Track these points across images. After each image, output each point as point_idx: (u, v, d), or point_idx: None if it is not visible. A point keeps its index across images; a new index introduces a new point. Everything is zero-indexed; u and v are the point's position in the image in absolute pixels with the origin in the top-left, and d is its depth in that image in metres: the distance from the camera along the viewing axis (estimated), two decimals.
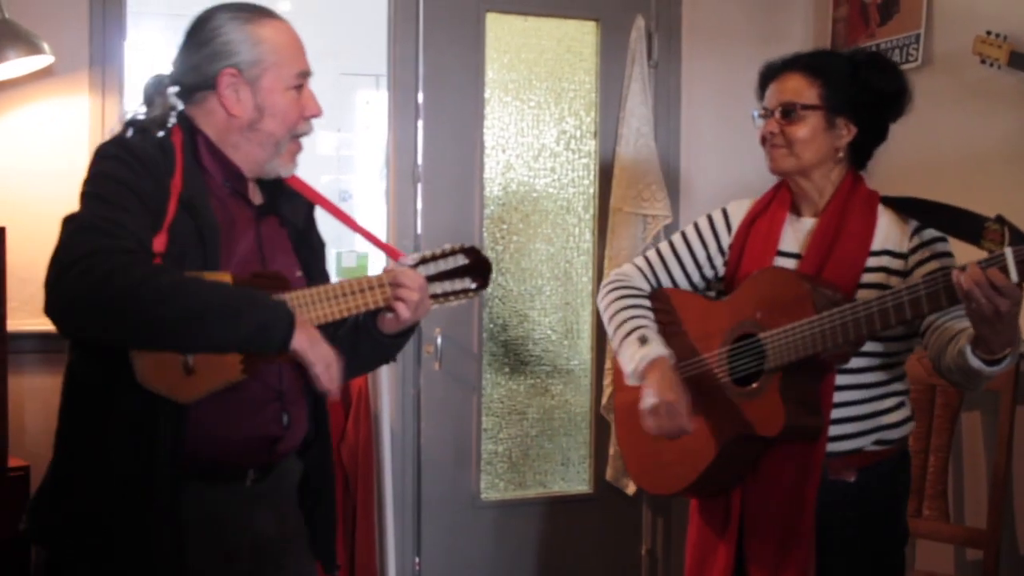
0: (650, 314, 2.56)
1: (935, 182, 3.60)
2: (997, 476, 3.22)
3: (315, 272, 2.18)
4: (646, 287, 2.62)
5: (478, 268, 2.18)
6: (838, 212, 2.43)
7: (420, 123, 3.87)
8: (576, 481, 4.17)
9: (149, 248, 1.89)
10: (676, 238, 2.65)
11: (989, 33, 3.27)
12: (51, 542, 2.01)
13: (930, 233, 2.39)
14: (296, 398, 2.11)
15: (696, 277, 2.62)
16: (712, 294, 2.64)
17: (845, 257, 2.38)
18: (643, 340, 2.47)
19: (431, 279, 2.15)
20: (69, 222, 1.89)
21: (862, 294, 2.33)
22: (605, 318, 2.61)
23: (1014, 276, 1.98)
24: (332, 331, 2.15)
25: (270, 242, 2.12)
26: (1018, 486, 3.29)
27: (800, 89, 2.44)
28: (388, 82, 3.93)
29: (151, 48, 4.70)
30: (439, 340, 3.87)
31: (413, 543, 3.92)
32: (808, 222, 2.49)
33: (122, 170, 1.93)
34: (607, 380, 4.02)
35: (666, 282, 2.63)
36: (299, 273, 2.13)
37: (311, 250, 2.21)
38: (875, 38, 3.84)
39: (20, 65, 3.22)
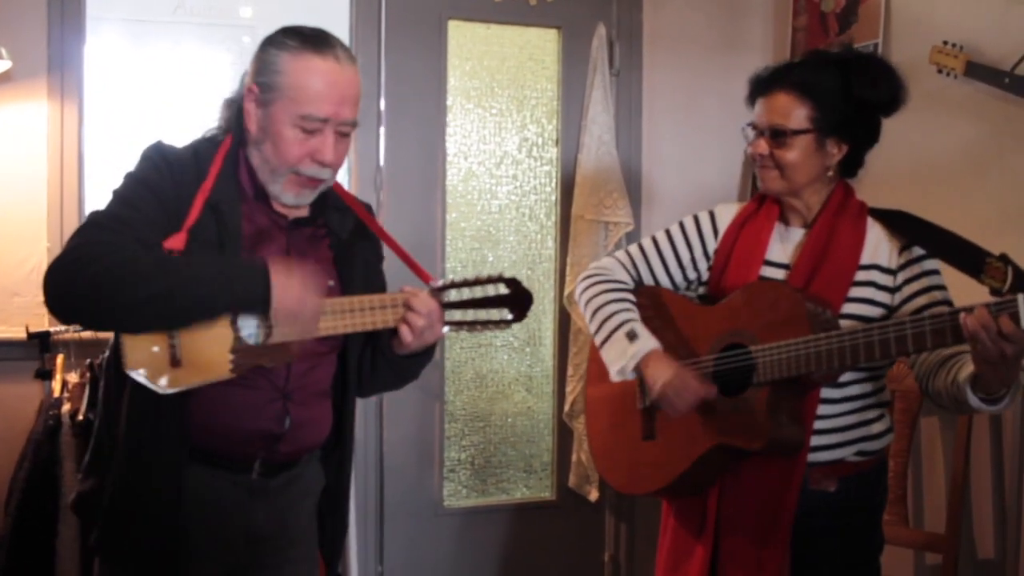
0: (635, 308, 2.51)
1: (892, 191, 3.62)
2: (955, 481, 3.25)
3: (356, 283, 2.18)
4: (628, 282, 2.58)
5: (518, 300, 2.18)
6: (828, 225, 2.40)
7: (382, 130, 3.86)
8: (539, 488, 4.17)
9: (154, 244, 1.96)
10: (660, 236, 2.61)
11: (945, 43, 3.31)
12: (81, 512, 2.17)
13: (919, 251, 2.37)
14: (309, 399, 2.16)
15: (679, 278, 2.59)
16: (692, 295, 2.61)
17: (834, 270, 2.36)
18: (632, 335, 2.43)
19: (462, 305, 2.16)
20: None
21: (849, 308, 2.33)
22: (587, 310, 2.55)
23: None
24: (362, 343, 2.23)
25: (300, 251, 2.15)
26: (976, 491, 3.32)
27: (789, 110, 2.37)
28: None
29: (110, 53, 4.66)
30: None
31: (376, 550, 3.90)
32: (797, 232, 2.47)
33: (149, 171, 2.04)
34: (569, 387, 4.03)
35: (648, 280, 2.59)
36: (331, 283, 2.15)
37: (351, 262, 2.22)
38: (834, 47, 3.87)
39: None
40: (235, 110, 2.15)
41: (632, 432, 2.55)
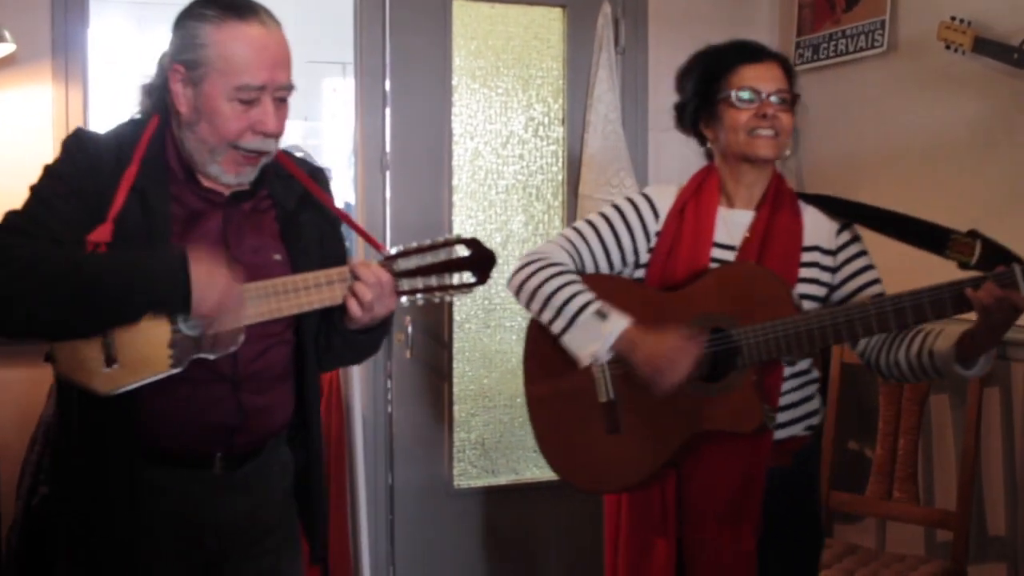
0: (591, 289, 2.45)
1: (901, 169, 3.62)
2: (966, 458, 3.25)
3: (308, 256, 2.09)
4: (571, 266, 2.52)
5: (479, 261, 2.07)
6: (772, 206, 2.46)
7: (388, 111, 3.85)
8: (548, 468, 4.15)
9: (75, 240, 1.88)
10: (597, 220, 2.56)
11: (953, 19, 3.29)
12: (46, 517, 2.14)
13: (854, 229, 2.48)
14: (265, 385, 2.07)
15: (617, 260, 2.56)
16: (627, 275, 2.59)
17: (782, 252, 2.42)
18: (602, 314, 2.38)
19: (419, 273, 2.04)
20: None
21: (800, 288, 2.40)
22: (536, 298, 2.46)
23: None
24: (317, 319, 2.14)
25: (238, 227, 2.06)
26: (987, 468, 3.32)
27: (783, 80, 2.46)
28: (355, 70, 3.90)
29: (114, 36, 4.65)
30: (409, 329, 3.85)
31: (386, 531, 3.91)
32: (742, 214, 2.49)
33: (65, 165, 1.95)
34: None
35: (588, 263, 2.55)
36: (278, 256, 2.07)
37: (299, 233, 2.12)
38: (840, 24, 3.86)
39: None
40: (157, 94, 2.05)
41: (592, 428, 2.48)
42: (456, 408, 4.01)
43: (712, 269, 2.42)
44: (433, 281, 2.05)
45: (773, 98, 2.42)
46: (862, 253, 2.48)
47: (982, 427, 3.27)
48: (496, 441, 4.08)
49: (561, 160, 4.11)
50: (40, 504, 2.12)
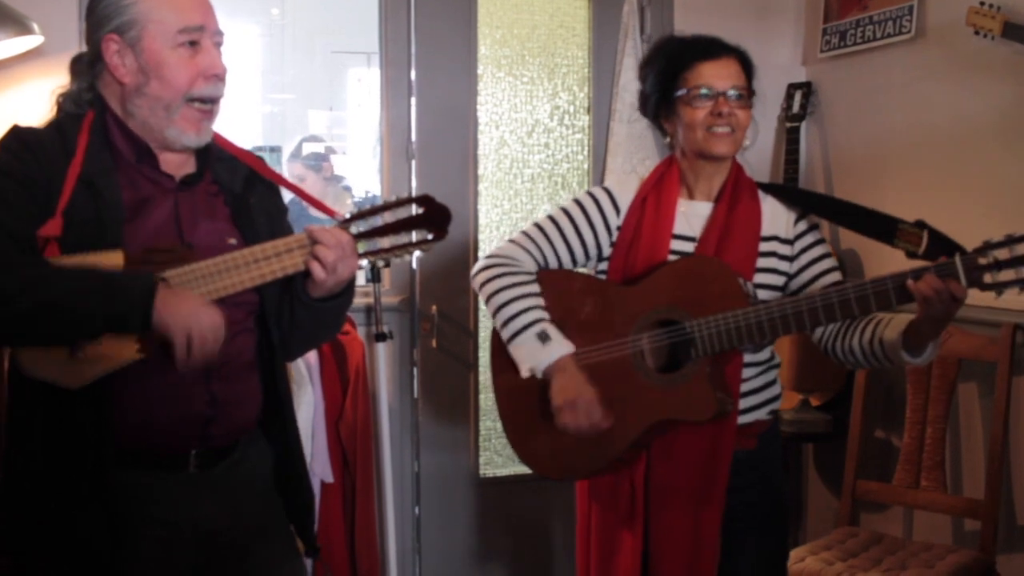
0: (542, 301, 2.49)
1: (929, 153, 3.59)
2: (994, 447, 3.23)
3: (259, 236, 2.05)
4: (532, 268, 2.56)
5: (435, 217, 2.05)
6: (731, 198, 2.50)
7: (413, 100, 3.86)
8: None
9: (27, 236, 1.85)
10: (558, 215, 2.59)
11: (983, 3, 3.26)
12: (7, 547, 1.96)
13: (811, 219, 2.54)
14: (234, 374, 2.04)
15: (579, 255, 2.59)
16: (588, 272, 2.63)
17: (741, 242, 2.47)
18: (543, 336, 2.43)
19: (376, 233, 2.03)
20: None
21: (757, 278, 2.46)
22: (491, 304, 2.51)
23: (964, 282, 2.17)
24: (277, 302, 2.10)
25: (191, 212, 2.03)
26: (1015, 456, 3.30)
27: (740, 76, 2.48)
28: (380, 60, 3.91)
29: None
30: (435, 317, 3.86)
31: (412, 520, 3.92)
32: (701, 206, 2.53)
33: (8, 161, 1.90)
34: None
35: (551, 259, 2.57)
36: (232, 240, 2.04)
37: (250, 215, 2.10)
38: (868, 10, 3.83)
39: (10, 46, 3.20)
40: (86, 84, 2.02)
41: (553, 418, 2.48)
42: (482, 397, 4.02)
43: (667, 263, 2.46)
44: (390, 241, 2.04)
45: (731, 93, 2.45)
46: (819, 242, 2.53)
47: (1011, 415, 3.25)
48: None
49: (587, 148, 4.11)
50: None
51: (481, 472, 4.04)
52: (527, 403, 2.55)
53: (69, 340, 1.84)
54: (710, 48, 2.50)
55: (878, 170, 3.78)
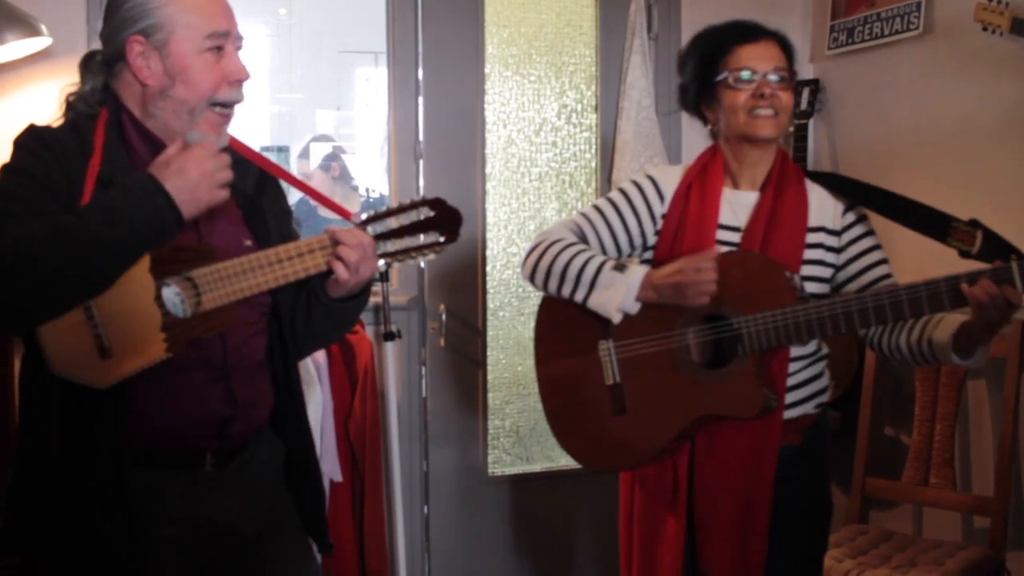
0: (603, 254, 2.49)
1: (937, 150, 3.59)
2: (1004, 444, 3.22)
3: (271, 239, 2.06)
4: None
5: (446, 221, 2.06)
6: (777, 187, 2.47)
7: (420, 100, 3.86)
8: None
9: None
10: (603, 204, 2.59)
11: (991, 0, 3.25)
12: (20, 546, 1.97)
13: (860, 210, 2.49)
14: (250, 374, 2.05)
15: (624, 244, 2.58)
16: (635, 259, 2.62)
17: (788, 234, 2.43)
18: (620, 267, 2.41)
19: (391, 235, 2.04)
20: None
21: (804, 270, 2.42)
22: (551, 275, 2.48)
23: (1020, 288, 2.12)
24: (292, 302, 2.12)
25: (208, 213, 2.01)
26: None
27: (781, 57, 2.46)
28: (387, 59, 3.91)
29: None
30: (443, 316, 3.87)
31: (421, 519, 3.93)
32: (747, 195, 2.51)
33: (29, 160, 1.88)
34: None
35: (596, 247, 2.56)
36: (248, 242, 2.05)
37: (262, 217, 2.12)
38: (875, 6, 3.83)
39: (18, 47, 3.20)
40: (100, 83, 2.02)
41: (600, 408, 2.52)
42: (490, 395, 4.02)
43: (716, 257, 2.41)
44: (406, 243, 2.05)
45: (771, 76, 2.42)
46: (868, 234, 2.48)
47: (1020, 412, 3.25)
48: (530, 428, 4.09)
49: (594, 147, 4.10)
50: (6, 530, 1.97)
51: (490, 471, 4.04)
52: (572, 394, 2.56)
53: (112, 277, 1.83)
54: (749, 31, 2.48)
55: (886, 167, 3.78)
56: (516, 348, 4.05)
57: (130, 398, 1.89)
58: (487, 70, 3.96)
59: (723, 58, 2.46)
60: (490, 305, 4.00)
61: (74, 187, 1.88)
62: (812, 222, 2.46)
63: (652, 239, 2.58)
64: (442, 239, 2.06)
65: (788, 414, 2.45)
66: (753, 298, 2.33)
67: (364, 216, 2.05)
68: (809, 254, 2.44)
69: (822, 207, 2.48)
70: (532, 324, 4.01)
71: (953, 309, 2.19)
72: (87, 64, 2.05)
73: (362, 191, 6.25)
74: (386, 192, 3.98)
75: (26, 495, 1.94)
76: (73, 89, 2.06)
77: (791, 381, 2.45)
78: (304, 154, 5.98)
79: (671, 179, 2.57)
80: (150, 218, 1.83)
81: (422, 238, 2.05)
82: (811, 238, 2.45)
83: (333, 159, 6.11)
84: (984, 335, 2.22)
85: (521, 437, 4.08)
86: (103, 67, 2.02)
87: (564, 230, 2.56)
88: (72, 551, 1.91)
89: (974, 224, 2.27)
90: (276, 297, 2.08)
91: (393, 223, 2.04)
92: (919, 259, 2.35)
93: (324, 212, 5.41)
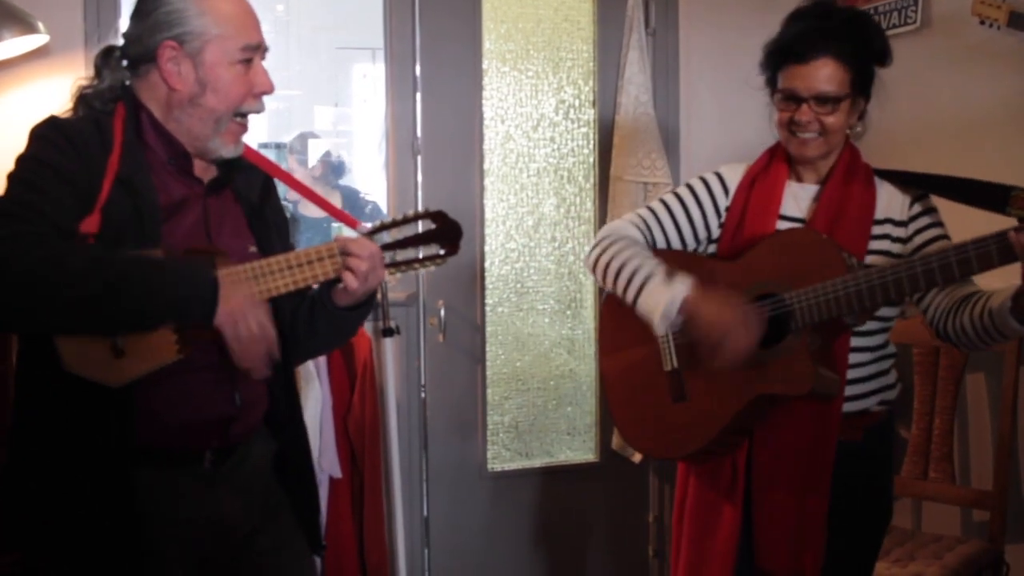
0: (658, 260, 2.48)
1: (934, 145, 3.59)
2: (1003, 437, 3.22)
3: (273, 247, 2.09)
4: (642, 241, 2.57)
5: (447, 233, 2.10)
6: (842, 180, 2.46)
7: (418, 96, 3.86)
8: (582, 450, 4.18)
9: (70, 230, 1.83)
10: (669, 198, 2.62)
11: None
12: (17, 544, 1.98)
13: (928, 202, 2.47)
14: (248, 376, 2.03)
15: (689, 238, 2.60)
16: (705, 255, 2.63)
17: (852, 225, 2.42)
18: (670, 275, 2.40)
19: (394, 246, 2.07)
20: None
21: (869, 260, 2.39)
22: (609, 272, 2.49)
23: None
24: (293, 308, 2.13)
25: (218, 218, 2.05)
26: (1023, 447, 3.30)
27: (834, 77, 2.40)
28: (385, 55, 3.91)
29: None
30: (442, 312, 3.87)
31: (421, 514, 3.93)
32: (810, 188, 2.52)
33: (50, 152, 1.89)
34: None
35: (660, 241, 2.59)
36: (253, 248, 2.07)
37: (266, 224, 2.14)
38: (873, 1, 3.82)
39: (15, 45, 3.20)
40: (119, 81, 2.04)
41: (659, 396, 2.53)
42: (489, 391, 4.02)
43: (766, 237, 2.44)
44: (409, 253, 2.08)
45: (813, 102, 2.40)
46: (935, 224, 2.45)
47: (1019, 405, 3.25)
48: (530, 424, 4.09)
49: (592, 142, 4.10)
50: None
51: (489, 466, 4.05)
52: (634, 383, 2.59)
53: (128, 326, 1.83)
54: (800, 49, 2.42)
55: (884, 161, 3.75)
56: (515, 344, 4.05)
57: (137, 397, 1.89)
58: (484, 66, 3.95)
59: (778, 72, 2.46)
60: (489, 301, 4.00)
61: (93, 181, 1.88)
62: (879, 215, 2.45)
63: (716, 232, 2.60)
64: (443, 252, 2.09)
65: (849, 407, 2.42)
66: (805, 274, 2.31)
67: (371, 226, 2.08)
68: (874, 245, 2.43)
69: (891, 201, 2.47)
70: (531, 320, 4.05)
71: (1002, 263, 2.14)
72: (105, 60, 2.05)
73: (362, 191, 6.25)
74: (381, 193, 3.97)
75: (22, 492, 1.94)
76: (86, 83, 2.06)
77: (854, 374, 2.42)
78: (294, 148, 5.98)
79: (737, 174, 2.60)
80: (189, 303, 1.84)
81: (423, 250, 2.08)
82: (877, 230, 2.44)
83: (327, 156, 6.11)
84: None
85: (520, 433, 4.09)
86: (118, 64, 2.03)
87: (629, 226, 2.59)
88: (73, 549, 1.91)
89: None
90: (276, 303, 2.07)
91: (397, 234, 2.07)
92: None
93: (307, 211, 5.42)
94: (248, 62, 2.01)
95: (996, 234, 2.13)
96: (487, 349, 4.01)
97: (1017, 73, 3.28)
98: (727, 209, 2.58)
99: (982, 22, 3.27)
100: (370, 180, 6.44)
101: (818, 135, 2.43)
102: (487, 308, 4.00)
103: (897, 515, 3.72)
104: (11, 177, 1.88)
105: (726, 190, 2.60)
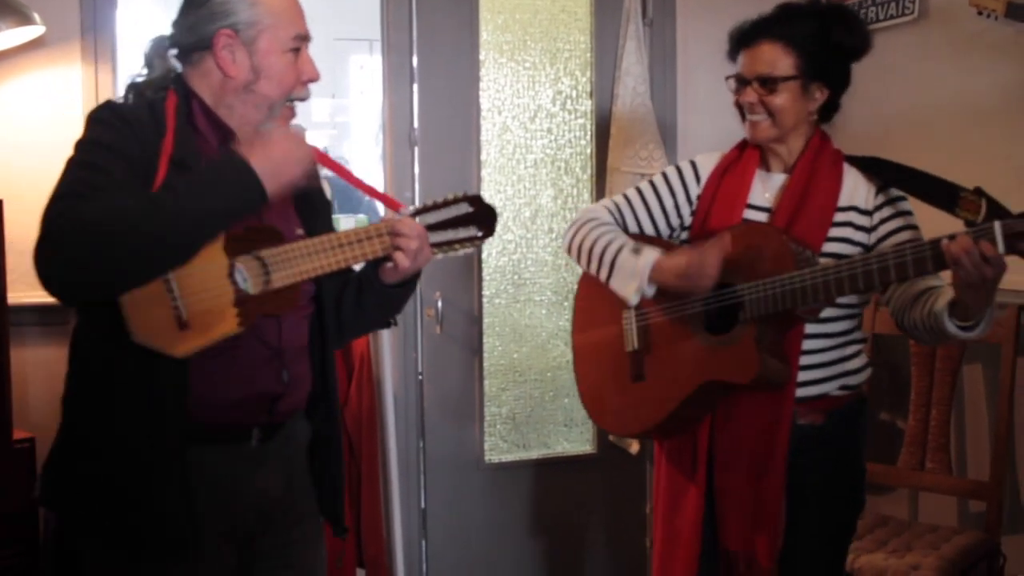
0: (627, 237, 2.59)
1: (932, 135, 3.59)
2: (999, 428, 3.23)
3: (318, 230, 2.15)
4: (615, 224, 2.67)
5: (483, 216, 2.19)
6: (808, 169, 2.53)
7: (415, 87, 3.85)
8: (579, 441, 4.18)
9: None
10: (644, 186, 2.70)
11: None
12: (61, 507, 2.07)
13: (894, 191, 2.51)
14: (298, 356, 2.13)
15: (662, 224, 2.67)
16: (676, 243, 2.69)
17: (815, 212, 2.48)
18: (636, 251, 2.50)
19: (433, 228, 2.15)
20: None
21: (829, 247, 2.45)
22: (582, 253, 2.61)
23: (1001, 248, 2.10)
24: (338, 290, 2.21)
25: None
26: (1020, 438, 3.31)
27: (775, 59, 2.50)
28: (382, 46, 3.90)
29: (143, 15, 4.67)
30: (439, 304, 3.86)
31: (418, 506, 3.94)
32: (778, 177, 2.57)
33: (108, 134, 1.95)
34: None
35: (633, 226, 2.67)
36: (299, 230, 2.13)
37: (313, 207, 2.20)
38: None
39: (11, 36, 3.20)
40: (169, 71, 2.10)
41: (621, 375, 2.63)
42: (487, 383, 4.02)
43: (726, 229, 2.48)
44: (448, 235, 2.18)
45: (756, 83, 2.50)
46: (900, 214, 2.49)
47: (1015, 397, 3.26)
48: (527, 415, 4.10)
49: (589, 133, 4.10)
50: (49, 493, 2.06)
51: (486, 458, 4.05)
52: (599, 361, 2.68)
53: (196, 247, 1.89)
54: (747, 33, 2.55)
55: (881, 151, 3.73)
56: (512, 335, 4.05)
57: (193, 371, 1.95)
58: (482, 57, 3.95)
59: (734, 60, 2.57)
60: (486, 292, 4.00)
61: (149, 163, 1.94)
62: (843, 202, 2.49)
63: (688, 219, 2.66)
64: (480, 234, 2.19)
65: (805, 391, 2.47)
66: (757, 266, 2.38)
67: (412, 208, 2.16)
68: (836, 232, 2.47)
69: (856, 188, 2.51)
70: (528, 311, 4.05)
71: (936, 270, 2.20)
72: (156, 49, 2.12)
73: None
74: (378, 183, 3.97)
75: (73, 459, 2.01)
76: (140, 74, 2.13)
77: (811, 359, 2.47)
78: None
79: (710, 162, 2.67)
80: (239, 193, 1.92)
81: (461, 232, 2.18)
82: (840, 217, 2.48)
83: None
84: (970, 299, 2.19)
85: (518, 424, 4.09)
86: (182, 55, 2.10)
87: (603, 210, 2.69)
88: (122, 518, 1.97)
89: (978, 192, 2.28)
90: (321, 285, 2.16)
91: (435, 217, 2.16)
92: None
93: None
94: (297, 51, 2.09)
95: (932, 241, 2.17)
96: (484, 340, 4.01)
97: (1015, 63, 3.28)
98: (698, 197, 2.64)
99: (980, 12, 3.28)
100: (367, 171, 6.43)
101: (767, 117, 2.50)
102: (484, 299, 4.00)
103: (893, 505, 3.73)
104: (69, 160, 1.95)
105: (698, 178, 2.66)
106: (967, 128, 3.46)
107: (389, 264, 2.13)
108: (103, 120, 1.98)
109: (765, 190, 2.56)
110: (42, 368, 3.41)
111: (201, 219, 1.89)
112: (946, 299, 2.27)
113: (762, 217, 2.53)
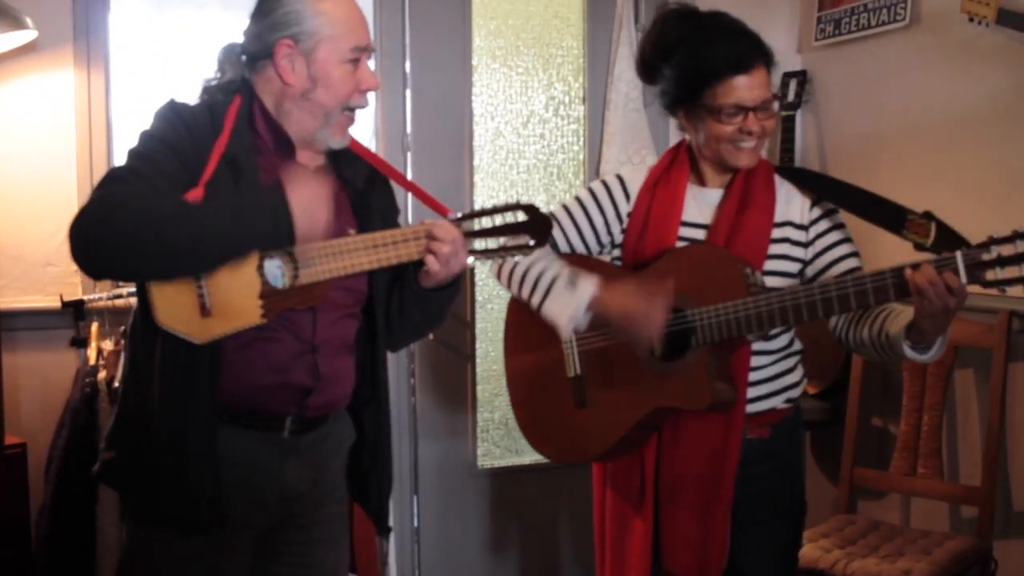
0: (563, 263, 2.48)
1: (924, 141, 3.60)
2: (991, 433, 3.23)
3: (373, 230, 2.17)
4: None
5: (537, 225, 2.19)
6: (743, 184, 2.46)
7: (408, 92, 3.85)
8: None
9: (171, 193, 1.97)
10: (571, 203, 2.61)
11: None
12: (112, 481, 2.20)
13: (828, 205, 2.47)
14: (336, 352, 2.18)
15: (592, 243, 2.60)
16: (606, 256, 2.65)
17: (753, 230, 2.43)
18: (572, 281, 2.40)
19: (484, 233, 2.17)
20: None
21: (769, 265, 2.42)
22: (514, 279, 2.52)
23: (964, 278, 2.10)
24: (388, 294, 2.26)
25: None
26: (1012, 443, 3.31)
27: (767, 82, 2.40)
28: (375, 52, 3.90)
29: (134, 20, 4.66)
30: None
31: (410, 511, 3.93)
32: (713, 193, 2.50)
33: (163, 127, 2.05)
34: None
35: (563, 246, 2.60)
36: (352, 231, 2.17)
37: (370, 210, 2.24)
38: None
39: (3, 41, 3.19)
40: (239, 75, 2.18)
41: (562, 401, 2.56)
42: (479, 388, 4.02)
43: (675, 250, 2.44)
44: (496, 243, 2.19)
45: (760, 111, 2.37)
46: (836, 227, 2.45)
47: (1007, 402, 3.26)
48: None
49: (582, 139, 4.10)
50: (103, 471, 2.17)
51: (479, 463, 4.05)
52: (536, 386, 2.61)
53: (221, 261, 1.96)
54: (743, 59, 2.36)
55: (873, 158, 3.78)
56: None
57: (224, 358, 2.04)
58: (474, 62, 3.95)
59: (713, 85, 2.36)
60: (478, 298, 4.00)
61: (200, 159, 2.03)
62: (779, 217, 2.45)
63: (619, 238, 2.58)
64: (532, 243, 2.18)
65: (754, 407, 2.46)
66: (708, 291, 2.34)
67: (460, 214, 2.18)
68: (775, 249, 2.43)
69: (790, 202, 2.47)
70: None
71: (899, 299, 2.18)
72: (227, 55, 2.20)
73: None
74: None
75: (125, 438, 2.12)
76: (213, 78, 2.21)
77: (757, 376, 2.46)
78: None
79: (638, 177, 2.58)
80: (269, 229, 1.98)
81: (512, 240, 2.18)
82: (777, 233, 2.44)
83: None
84: (930, 326, 2.17)
85: (510, 430, 4.08)
86: (249, 62, 2.17)
87: None
88: (154, 491, 2.06)
89: (928, 216, 2.27)
90: (372, 286, 2.21)
91: (486, 223, 2.18)
92: (902, 256, 2.33)
93: None
94: (356, 61, 2.13)
95: (894, 269, 2.16)
96: (477, 346, 4.01)
97: (1006, 70, 3.29)
98: (629, 215, 2.56)
99: (971, 19, 3.28)
100: None
101: (756, 140, 2.41)
102: (476, 305, 4.00)
103: (886, 511, 3.74)
104: (132, 150, 2.05)
105: (627, 195, 2.57)
106: (959, 134, 3.46)
107: (425, 268, 2.16)
108: (162, 116, 2.08)
109: (699, 206, 2.49)
110: (34, 374, 3.40)
111: (225, 243, 1.96)
112: (901, 323, 2.24)
113: (699, 234, 2.47)
